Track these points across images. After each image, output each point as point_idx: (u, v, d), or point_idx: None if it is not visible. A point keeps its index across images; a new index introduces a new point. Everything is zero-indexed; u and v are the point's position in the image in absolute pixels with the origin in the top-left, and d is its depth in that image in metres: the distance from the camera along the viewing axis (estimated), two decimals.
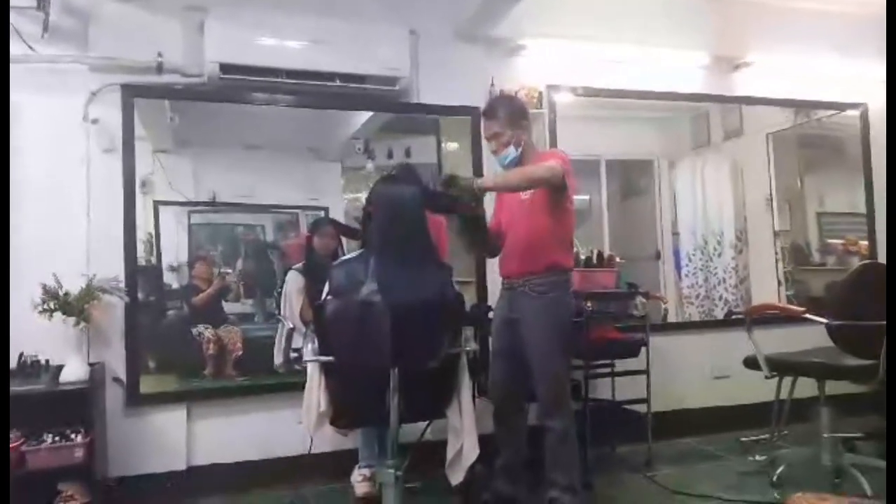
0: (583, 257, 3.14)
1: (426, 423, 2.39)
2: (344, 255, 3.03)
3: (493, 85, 3.30)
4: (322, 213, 3.36)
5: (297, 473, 2.91)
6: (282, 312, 3.14)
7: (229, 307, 3.23)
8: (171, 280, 3.15)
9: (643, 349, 3.14)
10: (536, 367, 2.47)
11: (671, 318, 3.70)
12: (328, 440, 2.67)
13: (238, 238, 3.37)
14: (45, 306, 2.57)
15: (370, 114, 3.38)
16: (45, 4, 2.68)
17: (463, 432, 2.27)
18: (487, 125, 2.58)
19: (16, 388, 2.49)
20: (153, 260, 3.06)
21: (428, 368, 2.15)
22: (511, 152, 2.53)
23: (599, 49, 3.54)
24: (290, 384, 2.97)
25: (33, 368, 2.58)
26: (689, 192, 4.14)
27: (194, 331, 3.10)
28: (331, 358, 2.18)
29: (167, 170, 3.11)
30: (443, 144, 3.56)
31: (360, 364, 2.13)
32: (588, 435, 2.91)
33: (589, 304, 2.93)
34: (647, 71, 3.70)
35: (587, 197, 3.87)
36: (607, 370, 3.21)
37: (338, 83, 3.04)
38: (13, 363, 2.58)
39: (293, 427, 2.80)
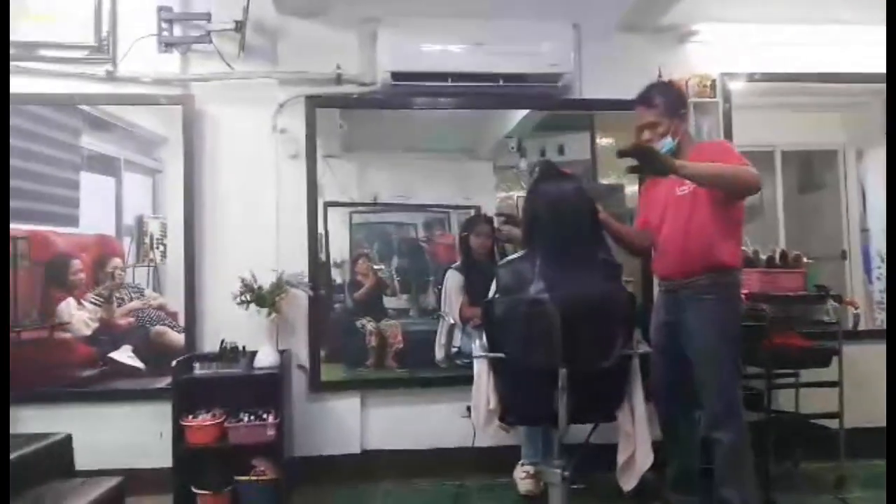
0: (763, 257, 2.89)
1: (592, 424, 2.34)
2: (501, 253, 3.07)
3: (660, 75, 3.15)
4: (472, 212, 3.39)
5: (459, 465, 3.00)
6: (442, 309, 3.23)
7: (387, 302, 3.38)
8: (335, 276, 3.35)
9: (834, 359, 2.84)
10: (700, 375, 2.32)
11: (862, 326, 3.30)
12: (490, 435, 2.70)
13: (392, 236, 3.52)
14: (243, 298, 2.86)
15: (525, 112, 3.38)
16: (242, 26, 2.97)
17: (635, 437, 2.20)
18: (643, 113, 2.45)
19: (219, 370, 2.81)
20: (323, 257, 3.28)
21: (598, 369, 2.11)
22: (667, 143, 2.39)
23: (779, 31, 3.27)
24: (449, 378, 3.07)
25: (232, 353, 2.85)
26: (880, 185, 3.66)
27: (358, 323, 3.27)
28: (501, 354, 2.21)
29: (335, 173, 3.33)
30: (597, 140, 3.47)
31: (530, 363, 2.14)
32: (771, 449, 2.70)
33: (767, 308, 2.70)
34: (833, 52, 3.35)
35: None
36: (791, 380, 2.95)
37: (500, 83, 3.07)
38: (216, 348, 2.90)
39: (456, 419, 2.89)
